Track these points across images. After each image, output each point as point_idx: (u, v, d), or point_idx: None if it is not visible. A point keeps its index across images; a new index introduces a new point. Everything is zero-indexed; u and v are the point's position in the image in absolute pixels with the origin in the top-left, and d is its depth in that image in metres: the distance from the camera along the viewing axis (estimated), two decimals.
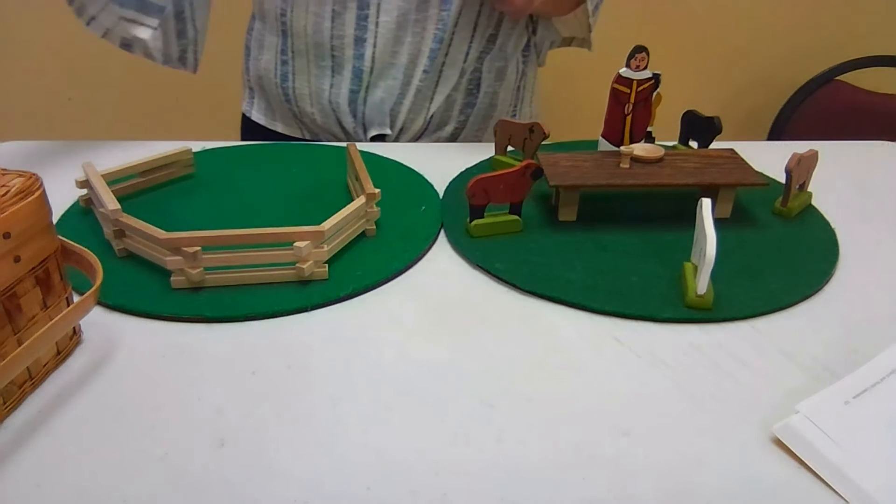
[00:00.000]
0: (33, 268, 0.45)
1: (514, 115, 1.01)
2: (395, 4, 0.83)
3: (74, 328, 0.52)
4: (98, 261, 0.50)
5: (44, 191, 0.46)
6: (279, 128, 0.99)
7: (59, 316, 0.44)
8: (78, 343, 0.52)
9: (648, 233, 0.66)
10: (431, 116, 0.93)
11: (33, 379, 0.47)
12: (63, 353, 0.50)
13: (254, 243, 0.57)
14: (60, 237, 0.50)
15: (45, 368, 0.48)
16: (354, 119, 0.91)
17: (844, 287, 0.60)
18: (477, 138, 0.98)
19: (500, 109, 0.98)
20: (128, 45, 0.85)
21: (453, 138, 0.97)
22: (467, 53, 0.89)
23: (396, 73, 0.88)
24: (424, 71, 0.88)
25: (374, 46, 0.86)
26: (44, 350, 0.47)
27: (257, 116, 1.01)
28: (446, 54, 0.87)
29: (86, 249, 0.50)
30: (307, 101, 0.93)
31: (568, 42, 1.00)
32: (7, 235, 0.42)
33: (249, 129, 1.02)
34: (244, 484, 0.40)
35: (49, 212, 0.47)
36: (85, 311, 0.47)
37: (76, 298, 0.51)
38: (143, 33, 0.82)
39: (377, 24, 0.84)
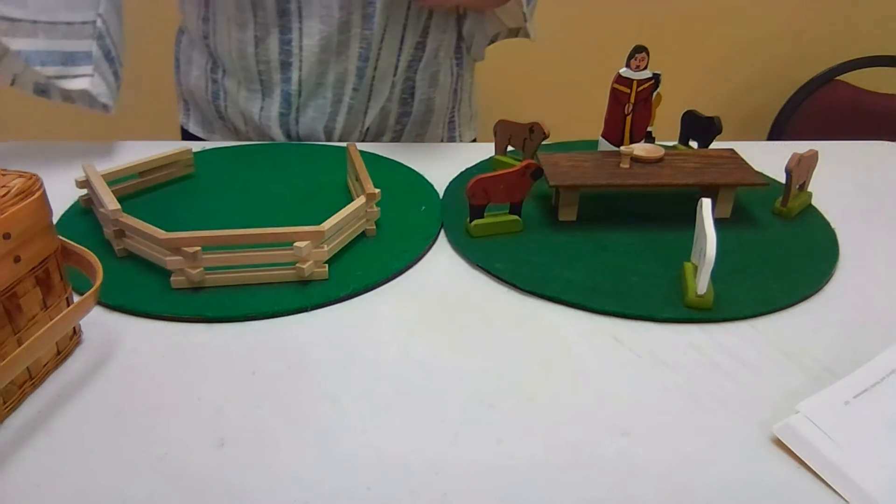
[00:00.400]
0: (33, 268, 0.45)
1: (453, 118, 1.00)
2: (316, 28, 0.82)
3: (75, 328, 0.51)
4: (98, 261, 0.50)
5: (44, 191, 0.46)
6: (217, 139, 0.97)
7: (59, 316, 0.44)
8: (78, 343, 0.52)
9: (648, 233, 0.66)
10: (367, 129, 0.92)
11: (33, 379, 0.47)
12: (63, 352, 0.50)
13: (254, 243, 0.57)
14: (61, 237, 0.49)
15: (45, 368, 0.48)
16: (288, 138, 0.91)
17: (844, 287, 0.60)
18: (417, 142, 0.97)
19: (438, 114, 0.97)
20: (68, 97, 0.81)
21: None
22: (396, 66, 0.88)
23: (325, 92, 0.87)
24: (354, 89, 0.87)
25: (301, 70, 0.85)
26: (44, 350, 0.47)
27: (195, 129, 0.99)
28: (375, 69, 0.86)
29: (86, 249, 0.50)
30: (240, 119, 0.92)
31: (515, 33, 0.97)
32: (7, 236, 0.42)
33: (188, 140, 1.00)
34: (244, 484, 0.40)
35: (49, 212, 0.47)
36: (85, 311, 0.47)
37: (77, 298, 0.51)
38: (82, 84, 0.78)
39: (301, 47, 0.83)
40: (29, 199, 0.44)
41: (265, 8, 0.81)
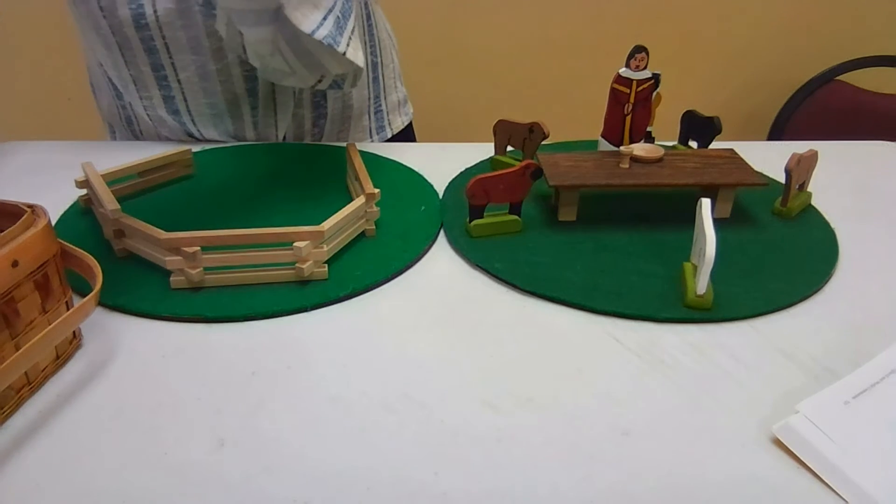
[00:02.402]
0: (32, 272, 0.45)
1: (379, 108, 0.97)
2: (189, 60, 0.79)
3: (74, 332, 0.51)
4: (98, 264, 0.49)
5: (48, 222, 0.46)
6: None
7: (57, 321, 0.44)
8: (78, 347, 0.51)
9: (648, 233, 0.66)
10: (284, 137, 0.91)
11: (31, 384, 0.47)
12: (62, 357, 0.50)
13: (254, 243, 0.57)
14: (60, 240, 0.49)
15: (43, 373, 0.48)
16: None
17: (844, 287, 0.60)
18: (340, 139, 0.95)
19: (359, 106, 0.94)
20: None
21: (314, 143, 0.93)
22: None
23: (222, 116, 0.85)
24: (252, 108, 0.85)
25: (185, 101, 0.83)
26: (42, 355, 0.46)
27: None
28: (272, 85, 0.84)
29: (85, 253, 0.50)
30: (157, 146, 0.88)
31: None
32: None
33: None
34: (244, 484, 0.40)
35: (48, 219, 0.47)
36: (84, 315, 0.47)
37: (78, 301, 0.51)
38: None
39: (179, 80, 0.81)
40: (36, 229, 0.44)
41: (132, 48, 0.79)
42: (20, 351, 0.41)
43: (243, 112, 0.86)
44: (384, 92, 0.98)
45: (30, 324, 0.46)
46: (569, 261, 0.61)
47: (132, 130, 0.91)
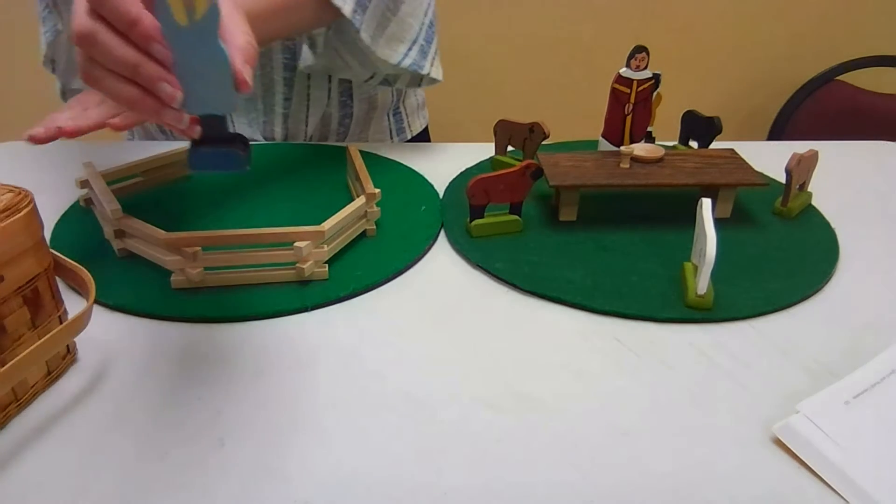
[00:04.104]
0: (20, 287, 0.43)
1: (398, 110, 0.99)
2: None
3: (68, 347, 0.49)
4: (91, 278, 0.47)
5: (34, 208, 0.43)
6: None
7: (45, 337, 0.42)
8: (72, 362, 0.49)
9: (648, 233, 0.66)
10: (310, 136, 0.92)
11: (20, 401, 0.45)
12: (54, 373, 0.48)
13: (254, 243, 0.57)
14: (53, 252, 0.47)
15: (33, 389, 0.46)
16: None
17: (844, 287, 0.60)
18: (362, 139, 0.96)
19: (382, 107, 0.95)
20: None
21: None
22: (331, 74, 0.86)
23: (253, 104, 0.85)
24: (285, 98, 0.86)
25: None
26: (29, 372, 0.45)
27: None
28: (309, 77, 0.85)
29: (78, 266, 0.48)
30: (157, 146, 0.88)
31: (417, 81, 0.86)
32: None
33: None
34: (244, 484, 0.40)
35: (39, 228, 0.44)
36: (76, 331, 0.45)
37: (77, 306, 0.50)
38: None
39: None
40: (16, 217, 0.42)
41: None
42: (3, 368, 0.39)
43: (275, 102, 0.86)
44: (405, 95, 1.00)
45: (17, 340, 0.44)
46: (569, 261, 0.61)
47: (158, 125, 0.90)
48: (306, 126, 0.90)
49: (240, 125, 0.88)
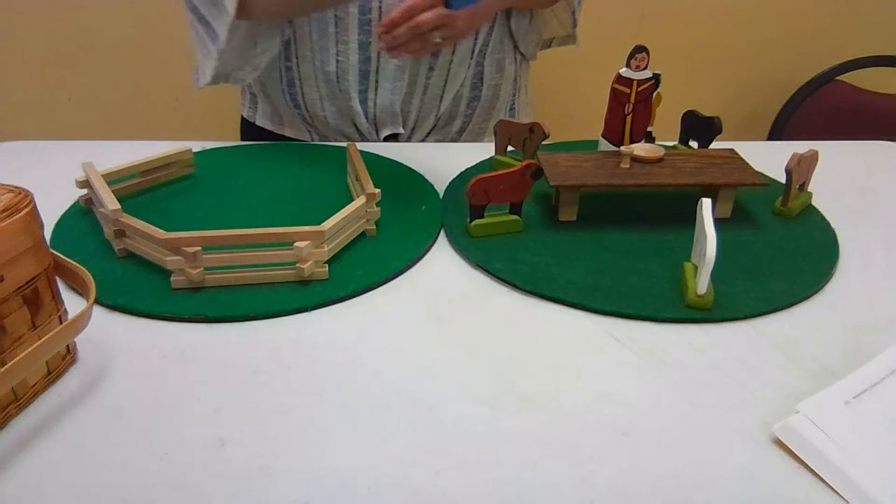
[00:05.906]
0: (20, 287, 0.43)
1: (513, 106, 1.02)
2: (397, 2, 0.81)
3: (68, 347, 0.49)
4: (91, 278, 0.47)
5: (34, 208, 0.43)
6: (287, 132, 0.98)
7: (45, 337, 0.42)
8: (72, 362, 0.49)
9: (648, 233, 0.66)
10: (441, 114, 0.93)
11: (19, 401, 0.45)
12: (55, 373, 0.48)
13: (254, 243, 0.57)
14: (53, 252, 0.47)
15: (33, 389, 0.46)
16: (367, 119, 0.91)
17: (844, 287, 0.60)
18: (481, 131, 0.99)
19: (502, 101, 0.99)
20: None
21: (460, 133, 0.97)
22: (473, 49, 0.89)
23: (402, 71, 0.87)
24: (430, 68, 0.88)
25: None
26: (29, 372, 0.45)
27: (262, 122, 0.99)
28: (453, 52, 0.87)
29: (78, 266, 0.48)
30: (318, 105, 0.92)
31: (547, 44, 1.00)
32: None
33: (251, 133, 1.01)
34: (244, 484, 0.40)
35: (40, 228, 0.44)
36: (76, 331, 0.45)
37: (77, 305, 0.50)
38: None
39: (382, 15, 0.82)
40: (16, 217, 0.42)
41: None
42: (3, 368, 0.39)
43: (419, 73, 0.88)
44: (518, 93, 1.02)
45: (17, 340, 0.44)
46: (569, 261, 0.61)
47: (291, 95, 0.92)
48: (440, 101, 0.92)
49: (383, 91, 0.89)
